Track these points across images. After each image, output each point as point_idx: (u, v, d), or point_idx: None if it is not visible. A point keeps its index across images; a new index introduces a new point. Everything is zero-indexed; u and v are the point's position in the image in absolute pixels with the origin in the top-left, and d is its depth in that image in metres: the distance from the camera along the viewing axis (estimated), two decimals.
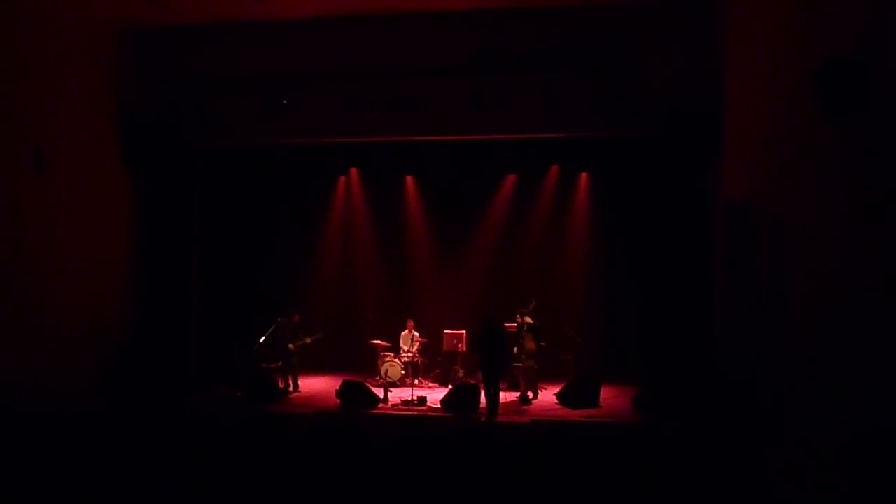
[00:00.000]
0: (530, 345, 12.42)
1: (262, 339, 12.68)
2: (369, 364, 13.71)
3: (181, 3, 10.90)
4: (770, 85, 8.13)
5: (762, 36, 8.63)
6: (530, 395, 12.21)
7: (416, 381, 13.20)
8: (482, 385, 11.05)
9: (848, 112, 5.73)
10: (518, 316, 12.59)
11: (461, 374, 13.21)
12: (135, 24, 11.73)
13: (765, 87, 8.35)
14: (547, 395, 12.38)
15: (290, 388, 12.83)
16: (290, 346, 12.86)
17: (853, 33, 5.88)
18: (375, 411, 11.35)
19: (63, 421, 6.81)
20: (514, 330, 12.70)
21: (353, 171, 15.44)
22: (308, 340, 13.05)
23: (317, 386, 13.35)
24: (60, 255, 10.58)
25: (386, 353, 13.41)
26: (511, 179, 14.97)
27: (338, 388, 11.70)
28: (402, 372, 13.11)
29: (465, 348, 13.44)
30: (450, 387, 12.44)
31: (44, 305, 10.19)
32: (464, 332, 13.58)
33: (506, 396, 11.69)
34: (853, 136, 5.83)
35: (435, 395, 12.13)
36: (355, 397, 11.46)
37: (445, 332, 13.71)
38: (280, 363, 12.96)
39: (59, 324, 10.44)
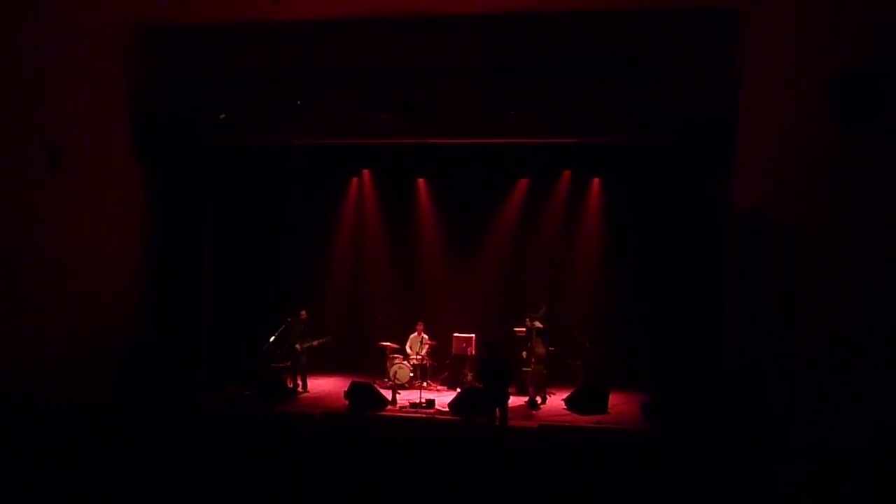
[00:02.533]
0: (540, 349, 12.43)
1: (272, 338, 12.71)
2: (378, 366, 13.72)
3: (197, 3, 10.95)
4: (785, 93, 8.10)
5: (777, 44, 8.60)
6: (539, 399, 12.20)
7: (425, 384, 13.20)
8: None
9: (863, 121, 5.70)
10: (528, 320, 12.60)
11: (469, 377, 13.20)
12: (151, 22, 11.79)
13: (779, 95, 8.32)
14: (555, 401, 12.36)
15: (300, 388, 12.86)
16: (297, 346, 12.87)
17: (869, 42, 5.85)
18: (383, 413, 11.36)
19: (73, 416, 6.84)
20: (524, 334, 12.70)
21: (366, 172, 15.46)
22: (315, 343, 13.02)
23: (325, 386, 13.36)
24: (74, 252, 10.64)
25: (395, 355, 13.42)
26: (523, 184, 14.94)
27: (346, 389, 11.72)
28: (411, 374, 13.11)
29: (474, 352, 13.44)
30: (458, 390, 12.43)
31: (56, 301, 10.25)
32: (473, 335, 13.58)
33: (514, 401, 11.67)
34: (869, 144, 5.80)
35: (443, 398, 12.14)
36: (363, 399, 11.48)
37: (455, 335, 13.72)
38: (289, 363, 12.99)
39: (72, 320, 10.49)
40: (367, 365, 14.08)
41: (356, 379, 12.08)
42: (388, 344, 13.63)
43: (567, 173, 14.65)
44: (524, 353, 12.51)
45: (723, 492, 6.06)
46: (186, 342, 12.28)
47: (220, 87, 11.95)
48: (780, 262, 7.91)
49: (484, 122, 11.32)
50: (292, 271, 15.09)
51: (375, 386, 12.04)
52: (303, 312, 13.15)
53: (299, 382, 12.93)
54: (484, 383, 10.52)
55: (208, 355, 12.76)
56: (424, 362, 13.48)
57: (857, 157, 6.02)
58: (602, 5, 10.86)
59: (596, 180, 14.62)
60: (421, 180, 15.36)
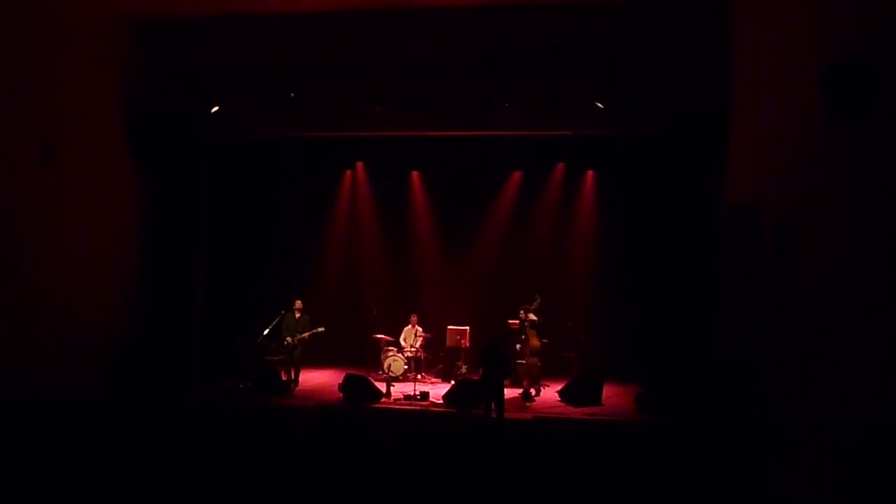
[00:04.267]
0: (534, 342, 12.46)
1: (266, 331, 12.71)
2: (372, 358, 13.73)
3: None
4: (779, 86, 8.10)
5: (771, 36, 8.60)
6: (533, 392, 12.23)
7: (419, 377, 13.21)
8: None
9: (857, 114, 5.71)
10: (522, 312, 12.62)
11: (464, 369, 13.22)
12: (143, 15, 11.71)
13: (773, 87, 8.32)
14: (549, 393, 12.40)
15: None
16: (288, 339, 12.85)
17: (863, 35, 5.86)
18: (378, 405, 11.38)
19: (67, 413, 6.83)
20: (517, 326, 12.73)
21: (359, 165, 15.45)
22: (305, 335, 13.00)
23: (320, 379, 13.37)
24: (66, 248, 10.59)
25: (389, 348, 13.43)
26: (517, 176, 14.95)
27: (341, 381, 11.73)
28: (405, 367, 13.13)
29: (468, 344, 13.46)
30: (452, 382, 12.45)
31: (49, 297, 10.20)
32: (467, 327, 13.59)
33: (508, 393, 11.70)
34: (863, 137, 5.81)
35: (437, 390, 12.16)
36: (358, 391, 11.49)
37: (449, 327, 13.72)
38: (283, 356, 13.01)
39: (65, 315, 10.45)
40: (362, 357, 14.09)
41: (350, 371, 12.08)
42: (383, 336, 13.64)
43: (561, 166, 14.67)
44: (518, 346, 12.54)
45: (716, 483, 6.10)
46: (181, 336, 12.26)
47: (213, 80, 11.91)
48: (774, 255, 7.93)
49: (478, 114, 11.31)
50: (286, 264, 15.08)
51: (370, 379, 12.05)
52: (297, 302, 13.13)
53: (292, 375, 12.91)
54: (482, 373, 10.53)
55: (203, 349, 12.74)
56: (419, 355, 13.49)
57: (852, 149, 6.03)
58: None
59: (590, 173, 14.64)
60: (415, 173, 15.36)
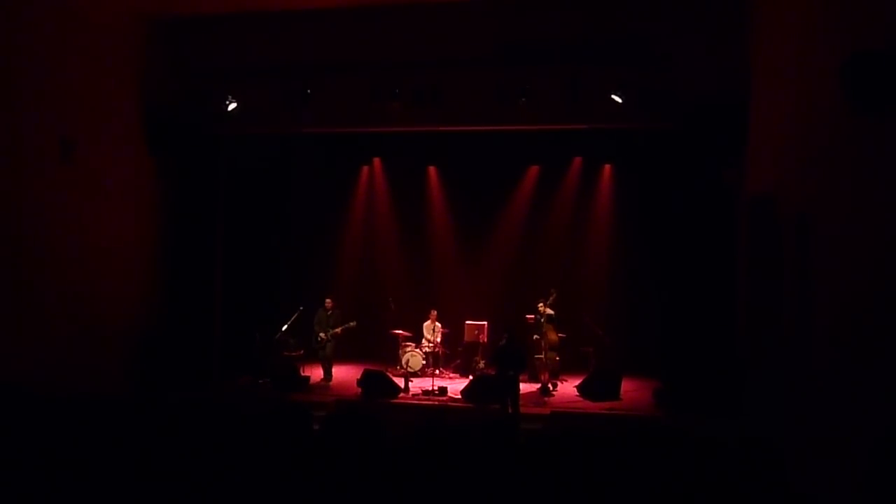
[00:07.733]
0: (553, 336, 12.43)
1: (285, 327, 12.77)
2: (391, 353, 13.76)
3: None
4: (798, 77, 8.02)
5: (790, 28, 8.51)
6: (551, 386, 12.21)
7: (437, 372, 13.23)
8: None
9: (879, 105, 5.63)
10: (539, 307, 12.59)
11: (482, 364, 13.22)
12: (161, 14, 11.79)
13: (792, 79, 8.24)
14: (567, 388, 12.37)
15: (322, 378, 12.87)
16: (321, 334, 12.91)
17: (883, 25, 5.78)
18: (396, 401, 11.40)
19: (87, 407, 6.89)
20: (534, 321, 12.70)
21: (376, 160, 15.45)
22: (338, 331, 13.06)
23: (339, 375, 13.39)
24: (86, 244, 10.69)
25: (407, 343, 13.45)
26: (534, 171, 14.90)
27: (359, 377, 11.76)
28: (423, 362, 13.15)
29: (486, 339, 13.45)
30: (470, 377, 12.46)
31: (69, 294, 10.30)
32: (485, 322, 13.59)
33: (527, 388, 11.69)
34: (884, 129, 5.73)
35: (456, 385, 12.17)
36: (376, 387, 11.52)
37: (467, 322, 13.72)
38: (301, 351, 13.05)
39: (85, 312, 10.56)
40: (380, 353, 14.12)
41: (369, 367, 12.12)
42: (401, 332, 13.66)
43: (578, 160, 14.61)
44: (536, 337, 12.53)
45: (734, 479, 6.06)
46: (200, 332, 12.34)
47: (231, 77, 11.95)
48: (793, 248, 7.86)
49: (494, 109, 11.27)
50: (304, 260, 15.14)
51: (388, 374, 12.07)
52: (328, 301, 13.19)
53: (324, 371, 12.96)
54: (497, 370, 10.55)
55: (221, 345, 12.82)
56: (437, 350, 13.51)
57: (872, 141, 5.96)
58: None
59: (607, 167, 14.57)
60: (432, 168, 15.35)
